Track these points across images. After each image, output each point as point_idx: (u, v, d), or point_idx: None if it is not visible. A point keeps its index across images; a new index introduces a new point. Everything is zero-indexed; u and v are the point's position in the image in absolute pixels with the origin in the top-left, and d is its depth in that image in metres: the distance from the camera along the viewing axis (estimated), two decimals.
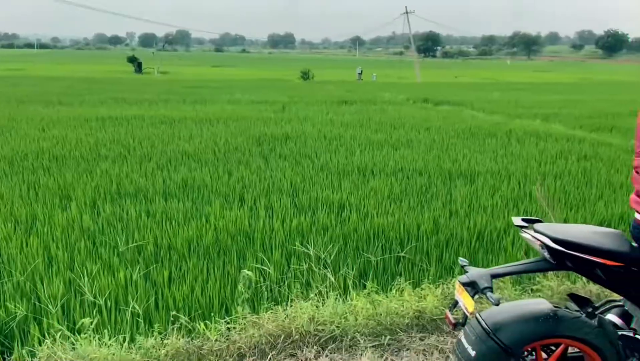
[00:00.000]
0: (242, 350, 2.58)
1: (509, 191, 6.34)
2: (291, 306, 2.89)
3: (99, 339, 2.65)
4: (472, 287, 1.90)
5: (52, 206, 5.41)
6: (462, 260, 2.04)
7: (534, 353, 2.08)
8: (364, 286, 3.19)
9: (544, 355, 2.11)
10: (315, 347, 2.64)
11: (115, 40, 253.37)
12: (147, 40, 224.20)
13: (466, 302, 1.95)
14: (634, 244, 2.02)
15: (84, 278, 3.60)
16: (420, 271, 3.90)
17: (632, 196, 2.04)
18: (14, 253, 4.10)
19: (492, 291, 1.85)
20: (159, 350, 2.48)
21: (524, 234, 2.05)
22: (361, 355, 2.52)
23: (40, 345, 2.69)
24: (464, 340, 2.03)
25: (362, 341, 2.65)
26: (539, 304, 2.09)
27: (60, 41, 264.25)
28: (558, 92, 24.02)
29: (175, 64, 56.87)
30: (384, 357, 2.54)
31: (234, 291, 3.22)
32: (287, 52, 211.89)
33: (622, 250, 1.93)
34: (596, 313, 2.14)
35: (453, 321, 1.96)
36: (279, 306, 2.89)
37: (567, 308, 2.12)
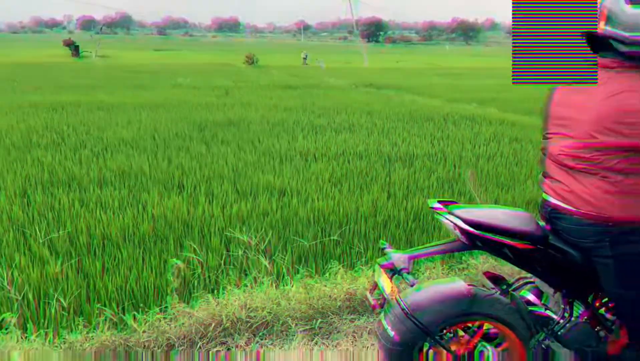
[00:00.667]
0: (171, 340, 2.52)
1: (445, 173, 6.50)
2: (224, 294, 2.84)
3: (21, 334, 2.50)
4: (391, 269, 1.92)
5: None
6: (385, 243, 2.06)
7: (456, 333, 2.14)
8: (298, 271, 3.19)
9: (467, 336, 2.17)
10: (246, 334, 2.62)
11: (52, 24, 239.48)
12: (86, 23, 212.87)
13: (385, 284, 1.97)
14: (542, 224, 2.10)
15: (11, 270, 3.40)
16: (357, 253, 3.94)
17: (540, 177, 2.11)
18: None
19: (408, 273, 1.88)
20: (83, 343, 2.38)
21: (439, 217, 2.09)
22: (292, 339, 2.53)
23: None
24: (384, 321, 2.06)
25: (293, 326, 2.65)
26: (456, 284, 2.14)
27: None
28: (494, 77, 24.81)
29: (115, 48, 54.49)
30: (314, 340, 2.56)
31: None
32: (232, 36, 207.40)
33: (529, 231, 1.99)
34: (510, 290, 2.22)
35: (372, 303, 1.98)
36: (210, 295, 2.83)
37: (483, 286, 2.19)
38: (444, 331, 2.08)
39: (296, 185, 5.88)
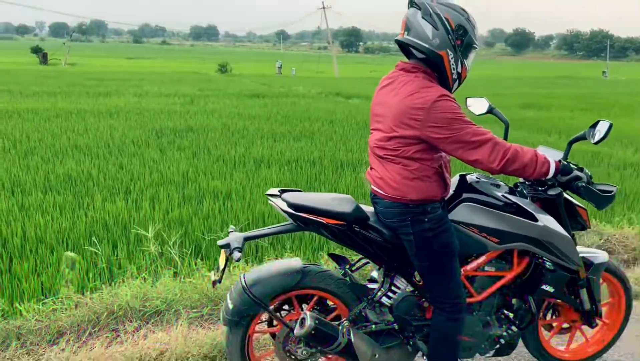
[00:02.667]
0: (62, 328, 2.65)
1: None
2: (123, 285, 2.99)
3: None
4: (228, 248, 2.10)
5: None
6: (231, 227, 2.26)
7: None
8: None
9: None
10: (137, 321, 2.78)
11: (23, 30, 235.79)
12: (59, 29, 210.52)
13: (221, 262, 2.17)
14: (367, 208, 2.33)
15: None
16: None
17: (368, 170, 2.37)
18: None
19: (240, 252, 2.07)
20: None
21: (270, 202, 2.29)
22: (178, 326, 2.68)
23: None
24: (227, 296, 2.26)
25: (183, 313, 2.80)
26: (291, 261, 2.36)
27: None
28: (499, 88, 25.42)
29: (86, 56, 53.98)
30: (201, 324, 2.74)
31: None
32: (210, 44, 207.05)
33: (345, 212, 2.21)
34: (347, 268, 2.45)
35: (212, 279, 2.17)
36: (105, 286, 2.98)
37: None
38: (276, 301, 2.31)
39: (243, 190, 6.02)
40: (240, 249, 2.07)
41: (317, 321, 2.18)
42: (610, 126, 2.25)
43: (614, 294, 2.81)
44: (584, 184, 2.28)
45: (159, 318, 2.81)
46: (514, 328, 2.48)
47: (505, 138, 2.52)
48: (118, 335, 2.68)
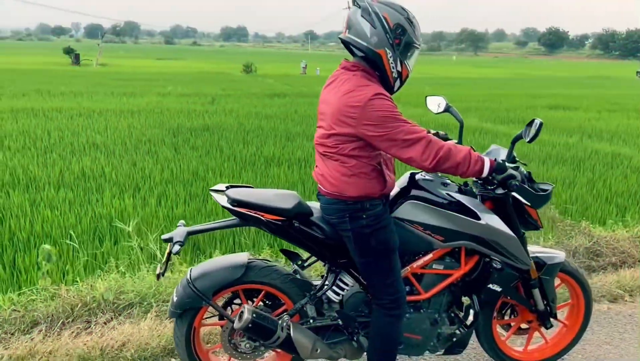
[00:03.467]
0: (36, 318, 2.76)
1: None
2: (99, 278, 3.11)
3: None
4: (171, 242, 2.16)
5: None
6: (180, 222, 2.31)
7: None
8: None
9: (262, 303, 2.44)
10: (109, 313, 2.87)
11: (59, 31, 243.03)
12: (94, 31, 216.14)
13: (165, 256, 2.22)
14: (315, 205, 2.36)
15: None
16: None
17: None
18: None
19: (181, 245, 2.13)
20: None
21: (214, 198, 2.33)
22: (146, 318, 2.76)
23: None
24: (175, 290, 2.32)
25: (155, 306, 2.88)
26: (238, 256, 2.40)
27: (1, 32, 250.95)
28: (488, 87, 25.04)
29: (118, 57, 55.20)
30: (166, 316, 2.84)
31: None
32: (239, 45, 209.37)
33: (282, 207, 2.24)
34: (304, 265, 2.48)
35: (157, 272, 2.23)
36: (82, 279, 3.10)
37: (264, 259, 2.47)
38: (222, 295, 2.35)
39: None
40: (181, 243, 2.12)
41: (254, 315, 2.23)
42: (541, 125, 2.24)
43: (573, 296, 2.78)
44: (517, 183, 2.26)
45: (131, 310, 2.91)
46: (463, 326, 2.49)
47: (460, 137, 2.55)
48: (89, 326, 2.79)
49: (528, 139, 2.29)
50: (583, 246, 3.86)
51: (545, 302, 2.60)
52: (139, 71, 30.23)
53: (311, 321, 2.39)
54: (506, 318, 2.76)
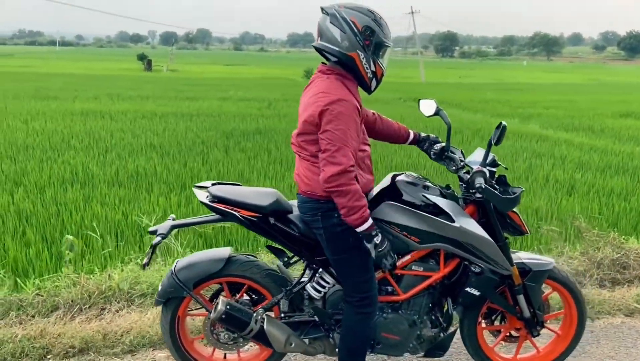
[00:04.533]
0: (56, 303, 2.97)
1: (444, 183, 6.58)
2: (119, 269, 3.30)
3: None
4: (155, 234, 2.27)
5: (1, 191, 5.82)
6: (171, 216, 2.41)
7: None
8: None
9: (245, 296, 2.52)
10: (123, 302, 3.04)
11: (137, 39, 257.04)
12: (168, 38, 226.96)
13: (150, 247, 2.33)
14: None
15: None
16: None
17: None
18: None
19: (163, 238, 2.24)
20: None
21: (196, 194, 2.41)
22: (153, 307, 2.90)
23: None
24: (162, 280, 2.45)
25: None
26: (221, 250, 2.47)
27: (84, 39, 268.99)
28: (557, 93, 23.91)
29: (189, 62, 57.60)
30: None
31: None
32: (305, 51, 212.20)
33: (258, 203, 2.29)
34: (290, 262, 2.51)
35: (143, 263, 2.33)
36: (97, 268, 3.29)
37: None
38: (204, 287, 2.46)
39: (290, 191, 6.20)
40: (163, 235, 2.24)
41: (228, 307, 2.31)
42: (504, 128, 2.25)
43: (565, 305, 2.68)
44: (482, 185, 2.22)
45: (144, 300, 3.07)
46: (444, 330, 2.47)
47: (448, 140, 2.53)
48: (102, 313, 2.97)
49: (493, 142, 2.28)
50: (609, 257, 3.63)
51: (531, 309, 2.55)
52: (206, 76, 31.41)
53: (289, 316, 2.46)
54: (496, 323, 2.70)
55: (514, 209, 2.43)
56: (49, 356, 2.60)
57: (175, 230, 2.40)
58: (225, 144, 9.16)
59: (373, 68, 2.19)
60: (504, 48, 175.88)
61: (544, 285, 2.59)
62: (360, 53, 2.15)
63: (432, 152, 2.59)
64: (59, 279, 3.17)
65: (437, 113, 2.56)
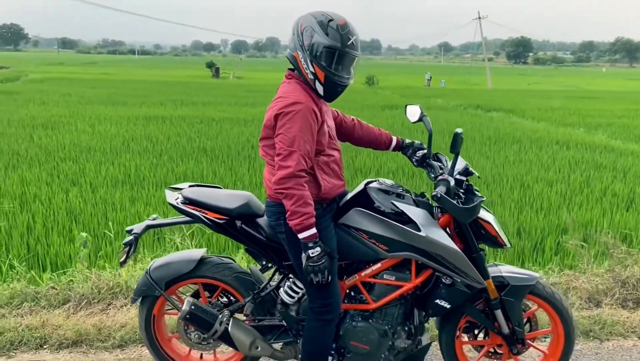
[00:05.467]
0: (68, 296, 3.14)
1: (489, 192, 6.35)
2: (131, 266, 3.45)
3: None
4: (130, 233, 2.36)
5: (58, 189, 6.24)
6: (153, 216, 2.49)
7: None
8: None
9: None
10: (129, 298, 3.16)
11: (210, 48, 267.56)
12: (239, 47, 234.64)
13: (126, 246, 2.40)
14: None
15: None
16: None
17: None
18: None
19: (137, 237, 2.35)
20: (3, 291, 3.19)
21: (167, 195, 2.48)
22: None
23: None
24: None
25: None
26: (195, 252, 2.50)
27: (161, 48, 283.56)
28: (635, 102, 22.38)
29: (256, 70, 59.11)
30: None
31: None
32: (371, 58, 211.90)
33: (225, 207, 2.31)
34: (269, 266, 2.51)
35: (121, 260, 2.40)
36: (108, 265, 3.45)
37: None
38: (178, 287, 2.52)
39: None
40: (136, 235, 2.33)
41: (193, 307, 2.35)
42: (457, 135, 2.21)
43: (552, 323, 2.52)
44: (437, 193, 2.15)
45: None
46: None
47: (429, 146, 2.47)
48: (108, 308, 3.11)
49: (451, 150, 2.23)
50: (636, 276, 3.33)
51: (511, 326, 2.43)
52: (269, 83, 32.05)
53: (259, 319, 2.48)
54: (480, 338, 2.58)
55: (488, 220, 2.34)
56: (45, 346, 2.79)
57: (149, 230, 2.49)
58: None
59: (312, 69, 2.14)
60: (582, 54, 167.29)
61: (530, 302, 2.49)
62: (299, 53, 2.16)
63: (414, 159, 2.54)
64: (75, 275, 3.37)
65: (420, 119, 2.51)
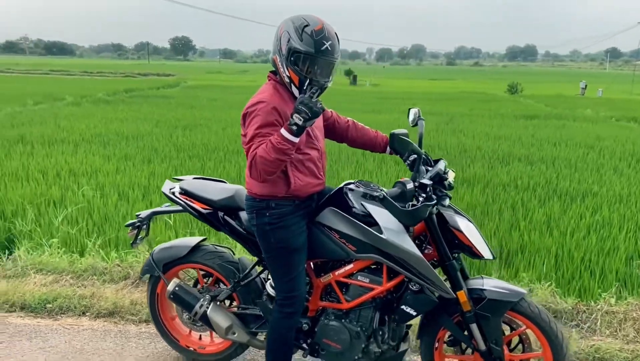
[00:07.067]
0: (127, 273, 3.57)
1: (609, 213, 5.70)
2: None
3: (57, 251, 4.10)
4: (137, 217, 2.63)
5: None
6: (166, 205, 2.70)
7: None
8: None
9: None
10: None
11: (355, 56, 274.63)
12: (383, 54, 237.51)
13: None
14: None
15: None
16: None
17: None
18: (111, 208, 5.57)
19: (142, 222, 2.62)
20: (81, 263, 3.74)
21: (164, 185, 2.66)
22: None
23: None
24: None
25: None
26: (191, 239, 2.66)
27: None
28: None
29: (394, 77, 59.25)
30: None
31: None
32: (524, 65, 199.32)
33: (211, 198, 2.45)
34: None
35: (131, 242, 2.66)
36: None
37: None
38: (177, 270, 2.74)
39: None
40: (142, 219, 2.62)
41: (177, 288, 2.55)
42: (392, 135, 2.34)
43: (541, 345, 2.28)
44: (380, 194, 2.10)
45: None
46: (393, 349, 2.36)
47: (420, 146, 2.43)
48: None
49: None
50: None
51: (487, 343, 2.28)
52: (403, 91, 31.99)
53: (243, 308, 2.61)
54: (467, 353, 2.44)
55: (460, 228, 2.22)
56: (87, 314, 3.24)
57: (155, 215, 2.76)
58: (382, 155, 9.33)
59: (287, 73, 2.20)
60: None
61: (519, 321, 2.31)
62: (277, 56, 2.22)
63: (407, 162, 2.48)
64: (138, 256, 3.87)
65: (415, 122, 2.43)
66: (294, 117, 2.05)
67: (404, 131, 2.47)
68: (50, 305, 3.38)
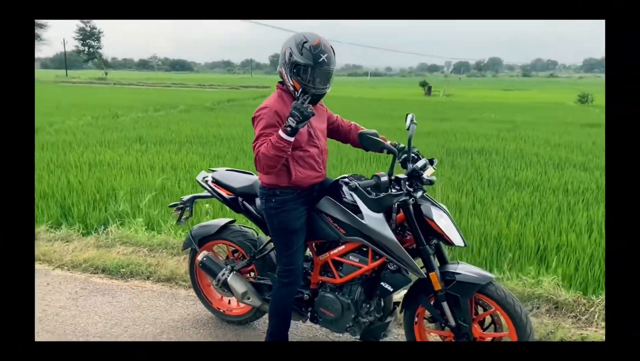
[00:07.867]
0: (174, 246, 3.94)
1: None
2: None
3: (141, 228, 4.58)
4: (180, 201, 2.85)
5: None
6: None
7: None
8: None
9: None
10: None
11: (434, 68, 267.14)
12: (460, 67, 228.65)
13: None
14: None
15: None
16: None
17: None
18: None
19: (183, 204, 2.85)
20: (156, 238, 4.19)
21: (199, 174, 2.83)
22: None
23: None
24: None
25: None
26: (222, 220, 2.86)
27: (391, 70, 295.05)
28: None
29: (469, 88, 56.94)
30: None
31: None
32: (600, 76, 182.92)
33: (232, 185, 2.64)
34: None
35: (176, 221, 2.90)
36: None
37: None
38: (211, 245, 2.97)
39: (481, 205, 5.90)
40: (184, 202, 2.85)
41: (205, 258, 2.78)
42: (373, 133, 2.39)
43: (507, 326, 2.25)
44: (353, 185, 2.18)
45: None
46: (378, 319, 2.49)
47: (409, 150, 2.43)
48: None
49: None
50: None
51: (457, 320, 2.30)
52: (474, 101, 30.71)
53: (259, 278, 2.81)
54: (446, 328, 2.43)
55: (431, 217, 2.25)
56: (150, 279, 3.56)
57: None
58: (440, 158, 9.12)
59: (291, 83, 2.33)
60: None
61: (488, 303, 2.30)
62: (283, 69, 2.35)
63: (399, 160, 2.50)
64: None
65: (409, 126, 2.48)
66: (288, 120, 2.21)
67: (373, 131, 2.56)
68: (124, 270, 3.82)
